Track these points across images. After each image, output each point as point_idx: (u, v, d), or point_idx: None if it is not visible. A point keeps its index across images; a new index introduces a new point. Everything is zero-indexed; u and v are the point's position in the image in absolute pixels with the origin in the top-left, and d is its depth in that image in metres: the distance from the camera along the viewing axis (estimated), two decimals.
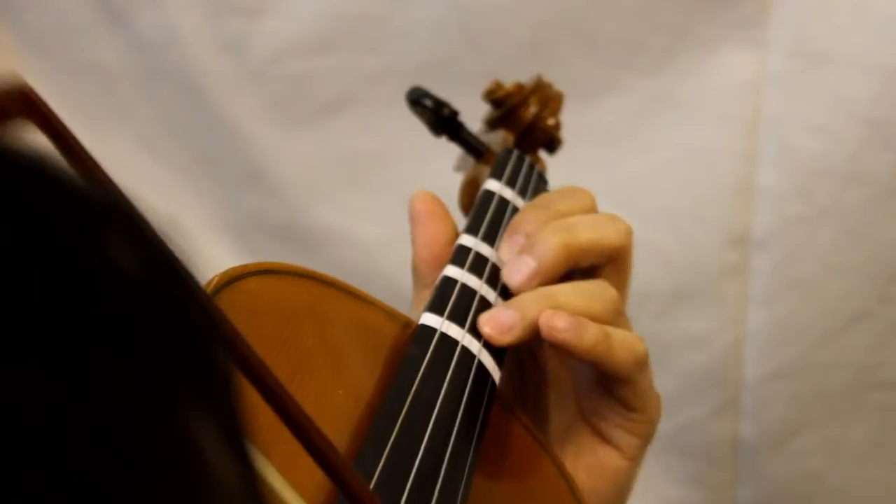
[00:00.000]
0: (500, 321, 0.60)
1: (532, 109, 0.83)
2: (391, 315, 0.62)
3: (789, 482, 1.26)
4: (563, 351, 0.60)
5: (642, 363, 0.61)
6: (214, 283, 0.54)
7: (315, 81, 1.21)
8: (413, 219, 0.68)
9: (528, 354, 0.68)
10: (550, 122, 0.84)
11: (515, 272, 0.63)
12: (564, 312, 0.60)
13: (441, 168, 1.22)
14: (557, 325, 0.59)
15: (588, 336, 0.59)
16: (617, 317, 0.62)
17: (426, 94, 0.81)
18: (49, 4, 1.16)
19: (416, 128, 1.19)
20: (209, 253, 1.13)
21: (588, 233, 0.64)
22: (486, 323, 0.61)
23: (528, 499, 0.60)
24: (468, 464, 0.56)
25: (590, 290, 0.62)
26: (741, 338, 1.23)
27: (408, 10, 1.18)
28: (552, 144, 0.85)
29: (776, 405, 1.24)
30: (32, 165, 0.24)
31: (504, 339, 0.60)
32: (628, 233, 0.66)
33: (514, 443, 0.61)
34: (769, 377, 1.23)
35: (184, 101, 1.19)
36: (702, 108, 1.20)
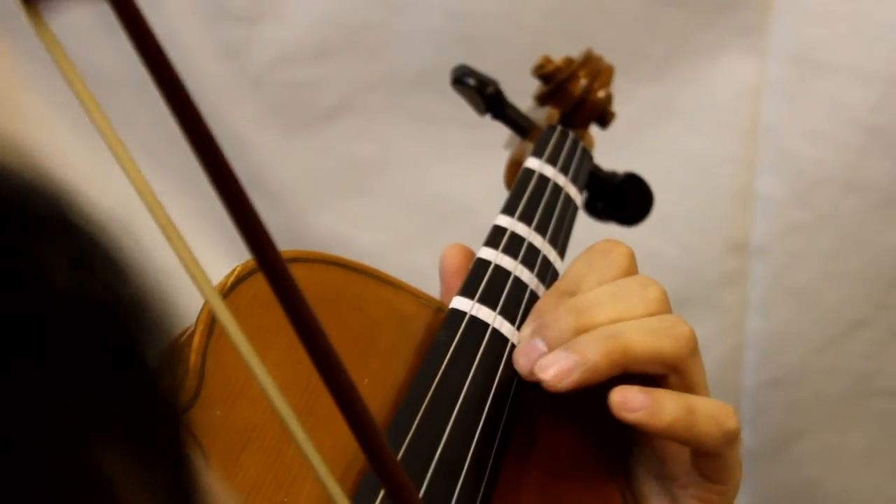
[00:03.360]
0: (557, 367, 0.54)
1: (582, 83, 0.82)
2: (423, 300, 0.60)
3: (788, 489, 1.25)
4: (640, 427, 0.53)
5: (732, 438, 0.54)
6: (237, 272, 0.54)
7: (314, 88, 1.21)
8: (442, 275, 0.65)
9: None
10: (601, 94, 0.82)
11: (525, 356, 0.56)
12: (637, 390, 0.53)
13: (440, 173, 1.22)
14: (629, 404, 0.53)
15: (665, 414, 0.52)
16: (691, 356, 0.54)
17: (470, 73, 0.80)
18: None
19: (415, 133, 1.19)
20: (208, 259, 1.13)
21: (607, 312, 0.55)
22: (543, 370, 0.54)
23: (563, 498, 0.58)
24: (495, 451, 0.55)
25: (657, 327, 0.54)
26: (740, 345, 1.23)
27: (407, 17, 1.18)
28: (604, 118, 0.83)
29: (775, 412, 1.24)
30: None
31: (560, 385, 0.54)
32: (659, 301, 0.56)
33: (555, 438, 0.59)
34: (768, 384, 1.23)
35: None
36: (701, 116, 1.20)
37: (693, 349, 0.55)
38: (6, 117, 1.13)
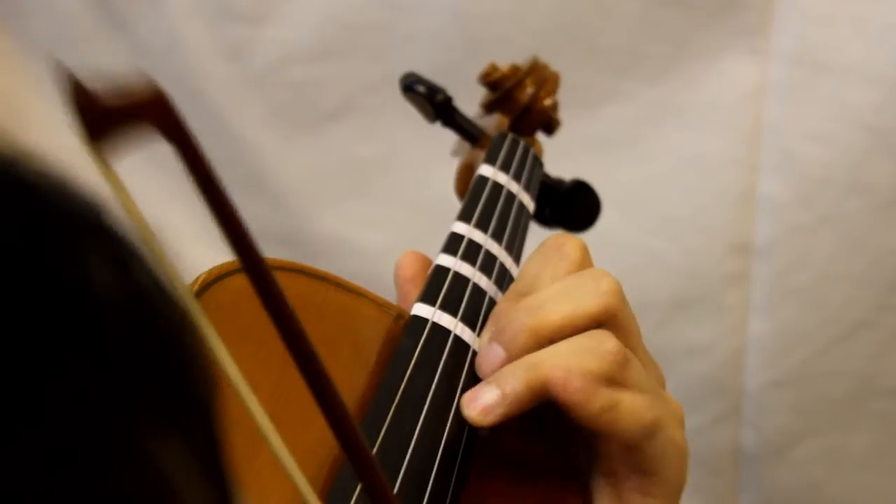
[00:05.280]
0: (482, 402, 0.55)
1: (528, 90, 0.82)
2: (383, 307, 0.60)
3: (790, 491, 1.25)
4: (569, 413, 0.55)
5: (649, 432, 0.55)
6: (201, 280, 0.54)
7: (317, 89, 1.21)
8: (396, 284, 0.66)
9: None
10: (547, 102, 0.82)
11: (485, 362, 0.57)
12: (578, 372, 0.54)
13: (442, 175, 1.22)
14: (570, 384, 0.53)
15: (596, 403, 0.54)
16: (621, 370, 0.55)
17: (419, 80, 0.80)
18: (52, 11, 1.16)
19: (418, 134, 1.19)
20: (210, 260, 1.13)
21: (560, 308, 0.56)
22: (467, 405, 0.55)
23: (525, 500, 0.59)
24: (461, 458, 0.55)
25: (583, 347, 0.55)
26: (742, 346, 1.23)
27: (410, 17, 1.18)
28: (550, 125, 0.83)
29: (777, 414, 1.24)
30: (5, 169, 0.23)
31: (486, 420, 0.55)
32: (612, 292, 0.56)
33: (519, 443, 0.59)
34: (770, 386, 1.23)
35: (185, 108, 1.18)
36: (703, 117, 1.20)
37: (622, 363, 0.55)
38: (9, 116, 1.14)
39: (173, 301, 0.26)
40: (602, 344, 0.55)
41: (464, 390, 0.57)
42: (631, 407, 0.54)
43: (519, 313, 0.57)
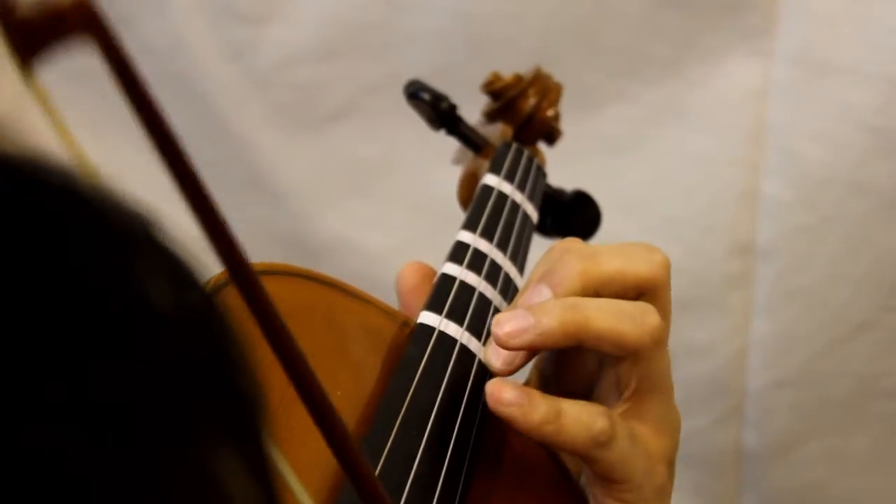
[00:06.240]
0: (512, 324, 0.54)
1: (531, 101, 0.82)
2: (390, 314, 0.61)
3: (792, 491, 1.25)
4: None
5: (600, 442, 0.53)
6: (210, 285, 0.54)
7: (319, 89, 1.21)
8: (398, 294, 0.65)
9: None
10: (549, 112, 0.83)
11: (528, 300, 0.56)
12: (512, 385, 0.53)
13: (444, 175, 1.22)
14: (503, 397, 0.53)
15: (535, 415, 0.53)
16: (654, 348, 0.55)
17: (424, 88, 0.80)
18: None
19: (420, 135, 1.19)
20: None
21: (612, 262, 0.56)
22: (497, 324, 0.55)
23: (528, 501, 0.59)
24: (466, 465, 0.55)
25: (627, 312, 0.54)
26: (745, 347, 1.23)
27: (412, 18, 1.18)
28: (551, 136, 0.84)
29: (779, 414, 1.24)
30: (60, 183, 0.23)
31: (511, 342, 0.54)
32: (663, 265, 0.57)
33: (521, 449, 0.60)
34: (772, 386, 1.23)
35: (188, 108, 1.19)
36: (706, 118, 1.20)
37: (657, 340, 0.55)
38: (15, 124, 1.13)
39: (222, 314, 0.26)
40: (644, 314, 0.55)
41: (469, 400, 0.57)
42: (577, 417, 0.53)
43: (572, 257, 0.56)
